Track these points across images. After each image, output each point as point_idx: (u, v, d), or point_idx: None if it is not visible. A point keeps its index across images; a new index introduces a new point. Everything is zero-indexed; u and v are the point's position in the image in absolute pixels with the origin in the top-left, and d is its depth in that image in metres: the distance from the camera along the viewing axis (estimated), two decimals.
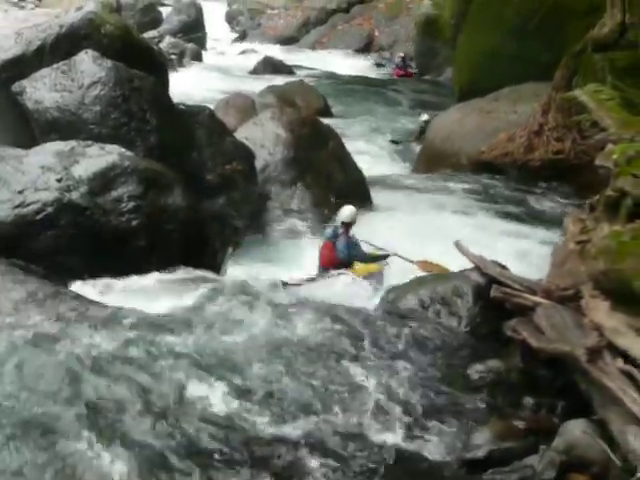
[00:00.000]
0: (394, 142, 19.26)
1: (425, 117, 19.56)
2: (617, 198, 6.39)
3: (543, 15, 18.54)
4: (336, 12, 39.36)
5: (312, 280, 9.94)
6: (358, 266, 10.38)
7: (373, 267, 10.50)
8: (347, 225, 10.63)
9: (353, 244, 10.62)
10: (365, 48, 35.64)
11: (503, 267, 8.27)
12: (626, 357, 5.60)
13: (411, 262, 10.34)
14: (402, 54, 30.62)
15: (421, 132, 19.18)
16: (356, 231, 10.95)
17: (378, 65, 31.50)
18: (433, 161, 16.52)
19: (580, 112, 14.45)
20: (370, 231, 12.11)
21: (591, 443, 5.62)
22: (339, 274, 9.97)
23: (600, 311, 6.10)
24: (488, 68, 19.24)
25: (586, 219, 7.46)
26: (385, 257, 10.84)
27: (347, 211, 10.75)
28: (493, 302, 7.76)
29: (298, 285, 9.58)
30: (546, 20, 18.40)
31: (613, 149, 7.10)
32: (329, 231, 10.72)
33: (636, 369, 5.44)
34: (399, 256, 10.53)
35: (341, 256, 10.44)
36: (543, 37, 18.04)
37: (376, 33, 36.11)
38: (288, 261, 10.97)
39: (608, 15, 15.20)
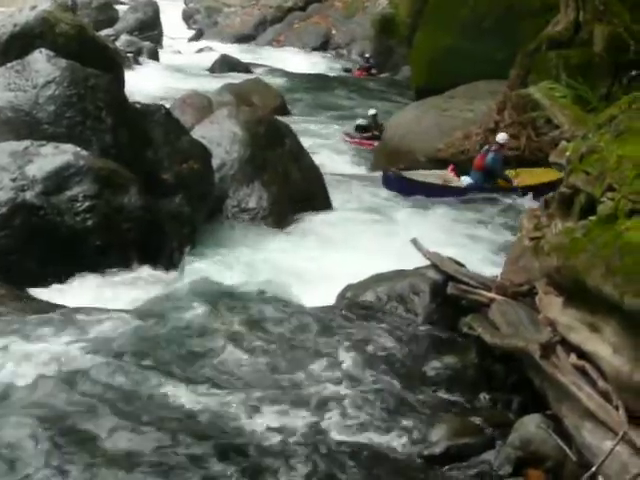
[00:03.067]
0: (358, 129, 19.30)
1: (372, 111, 19.69)
2: (570, 195, 6.45)
3: (498, 14, 18.70)
4: (293, 10, 39.38)
5: None
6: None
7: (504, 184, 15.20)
8: (500, 145, 15.00)
9: (499, 159, 14.98)
10: (322, 46, 35.69)
11: (459, 264, 8.33)
12: (579, 352, 5.65)
13: None
14: (367, 54, 30.63)
15: (369, 126, 19.30)
16: (313, 229, 11.09)
17: (346, 70, 31.19)
18: (390, 159, 16.56)
19: (535, 109, 14.63)
20: (329, 230, 12.18)
21: (546, 438, 5.67)
22: None
23: (554, 307, 6.15)
24: (444, 66, 19.37)
25: (540, 215, 7.53)
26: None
27: (503, 135, 15.13)
28: (450, 299, 7.81)
29: None
30: (501, 19, 18.57)
31: (566, 146, 7.18)
32: (485, 146, 15.31)
33: (589, 364, 5.50)
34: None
35: (488, 162, 15.01)
36: (498, 35, 18.20)
37: (333, 31, 36.17)
38: (246, 260, 10.95)
39: (562, 13, 15.40)
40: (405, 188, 15.24)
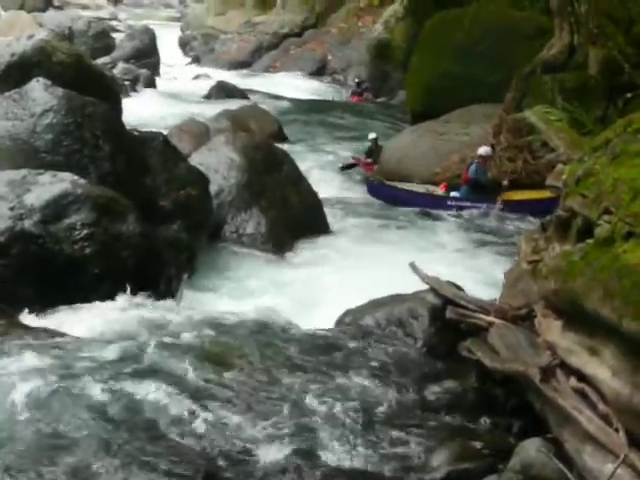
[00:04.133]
0: (346, 167, 19.29)
1: (373, 135, 19.70)
2: (567, 218, 6.46)
3: (493, 38, 18.82)
4: (289, 36, 39.54)
5: None
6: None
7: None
8: (483, 158, 15.39)
9: (480, 169, 15.35)
10: (318, 72, 35.79)
11: (458, 288, 8.33)
12: (579, 376, 5.65)
13: None
14: (357, 79, 30.74)
15: (370, 150, 19.32)
16: (311, 253, 11.17)
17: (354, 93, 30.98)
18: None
19: (531, 133, 14.71)
20: (327, 255, 12.19)
21: (547, 462, 5.65)
22: None
23: (553, 330, 6.15)
24: (440, 90, 19.47)
25: (538, 238, 7.53)
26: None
27: (484, 147, 15.47)
28: (449, 323, 7.81)
29: None
30: (496, 43, 18.68)
31: (562, 169, 7.19)
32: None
33: (589, 387, 5.50)
34: None
35: (470, 175, 15.40)
36: (493, 59, 18.32)
37: (329, 57, 36.30)
38: (244, 286, 10.95)
39: (556, 37, 15.50)
40: (388, 196, 16.00)
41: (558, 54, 15.38)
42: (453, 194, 15.75)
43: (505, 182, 15.38)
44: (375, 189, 16.45)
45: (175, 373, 7.09)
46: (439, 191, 16.02)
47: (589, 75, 14.86)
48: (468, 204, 15.41)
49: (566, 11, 15.25)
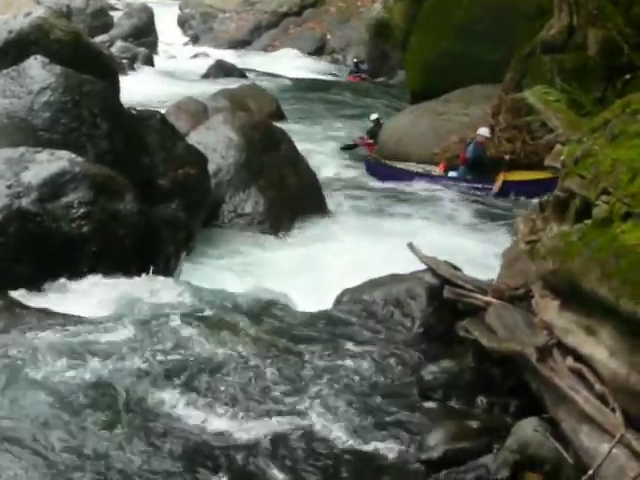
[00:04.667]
0: (347, 147, 19.26)
1: (375, 116, 19.63)
2: (565, 198, 6.45)
3: (492, 17, 18.74)
4: (288, 15, 39.38)
5: None
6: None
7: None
8: (479, 139, 15.43)
9: (478, 148, 15.45)
10: (317, 51, 35.71)
11: (455, 268, 8.33)
12: (576, 356, 5.66)
13: None
14: (355, 59, 30.63)
15: (372, 131, 19.26)
16: (309, 233, 11.19)
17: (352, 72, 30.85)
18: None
19: (529, 113, 14.66)
20: (325, 234, 12.19)
21: (543, 442, 5.67)
22: None
23: (550, 310, 6.15)
24: (439, 70, 19.39)
25: (536, 219, 7.52)
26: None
27: (483, 129, 15.54)
28: (446, 303, 7.82)
29: None
30: (495, 22, 18.59)
31: (561, 150, 7.17)
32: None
33: (586, 367, 5.50)
34: None
35: (468, 155, 15.53)
36: (492, 39, 18.24)
37: (328, 36, 36.19)
38: (242, 265, 10.95)
39: (556, 17, 15.43)
40: (386, 175, 16.12)
41: (557, 35, 15.32)
42: (451, 174, 15.79)
43: (507, 157, 15.39)
44: (373, 168, 16.52)
45: (173, 350, 7.12)
46: (437, 170, 16.04)
47: (588, 56, 14.81)
48: (465, 184, 15.42)
49: None
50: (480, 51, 18.43)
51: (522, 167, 15.26)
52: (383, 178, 16.06)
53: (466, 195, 15.12)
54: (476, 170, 15.49)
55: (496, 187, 15.21)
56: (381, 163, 16.52)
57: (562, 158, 6.74)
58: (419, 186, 15.43)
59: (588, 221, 5.73)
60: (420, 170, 16.08)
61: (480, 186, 15.30)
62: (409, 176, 15.83)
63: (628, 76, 13.78)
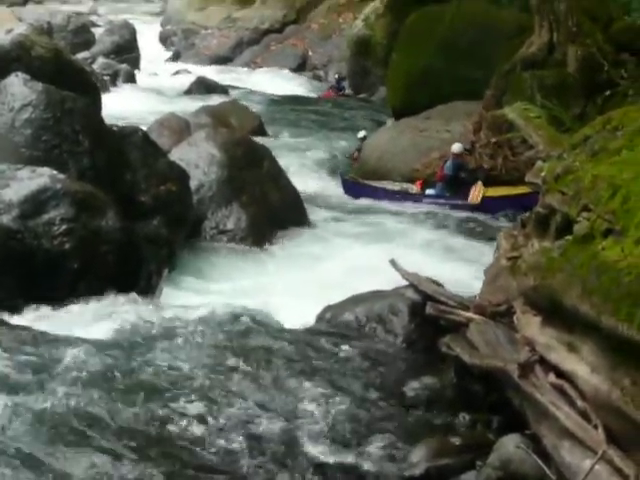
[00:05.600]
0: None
1: (362, 133, 19.54)
2: (546, 215, 6.49)
3: (473, 34, 18.82)
4: (270, 32, 39.38)
5: None
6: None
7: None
8: (455, 154, 15.24)
9: (455, 165, 15.27)
10: (299, 68, 35.69)
11: (437, 284, 8.36)
12: (558, 372, 5.68)
13: None
14: (337, 75, 30.65)
15: (361, 148, 19.21)
16: (292, 249, 11.21)
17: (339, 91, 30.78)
18: (368, 179, 16.61)
19: (510, 130, 14.74)
20: (307, 250, 12.19)
21: (526, 458, 5.68)
22: None
23: (532, 326, 6.18)
24: (420, 87, 19.42)
25: (517, 235, 7.56)
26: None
27: (457, 145, 15.33)
28: (428, 319, 7.83)
29: None
30: (476, 39, 18.67)
31: (542, 166, 7.22)
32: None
33: (567, 384, 5.52)
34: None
35: (446, 172, 15.34)
36: (473, 56, 18.29)
37: (310, 53, 36.23)
38: (224, 282, 10.93)
39: (536, 34, 15.53)
40: (363, 194, 15.99)
41: (537, 51, 15.42)
42: (428, 192, 15.77)
43: (485, 166, 15.36)
44: (350, 187, 16.42)
45: (152, 370, 7.09)
46: (414, 188, 16.02)
47: (568, 73, 14.90)
48: (443, 201, 15.43)
49: (545, 9, 15.28)
50: (461, 68, 18.48)
51: (503, 183, 15.27)
52: (359, 196, 16.01)
53: (445, 212, 15.10)
54: (454, 186, 15.49)
55: (474, 197, 15.18)
56: (358, 182, 16.47)
57: (543, 174, 6.79)
58: (396, 205, 15.39)
59: (569, 237, 5.76)
60: (396, 188, 16.03)
61: (459, 202, 15.29)
62: (385, 195, 15.80)
63: (608, 93, 13.89)
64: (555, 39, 15.23)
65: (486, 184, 15.34)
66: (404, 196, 15.72)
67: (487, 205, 14.98)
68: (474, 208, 15.07)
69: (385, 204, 15.40)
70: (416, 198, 15.63)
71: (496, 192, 15.09)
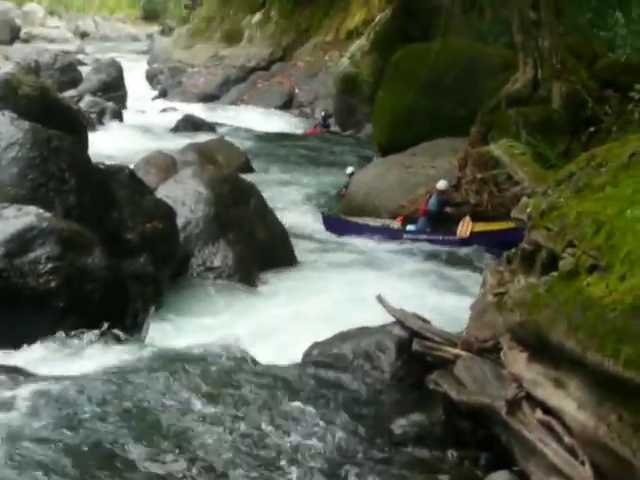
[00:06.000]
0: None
1: (350, 170, 19.62)
2: (532, 251, 6.52)
3: (458, 72, 19.00)
4: (256, 70, 39.62)
5: None
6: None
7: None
8: (440, 191, 15.39)
9: (440, 201, 15.46)
10: (286, 105, 35.89)
11: (424, 320, 8.35)
12: (545, 408, 5.67)
13: None
14: (323, 112, 30.81)
15: (346, 185, 19.28)
16: (279, 286, 11.19)
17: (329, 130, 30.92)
18: (355, 216, 16.66)
19: (496, 166, 14.84)
20: (295, 287, 12.19)
21: None
22: None
23: (518, 362, 6.18)
24: (406, 124, 19.58)
25: (503, 271, 7.58)
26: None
27: (442, 181, 15.49)
28: (415, 356, 7.82)
29: None
30: (461, 77, 18.85)
31: (527, 202, 7.26)
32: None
33: (555, 420, 5.52)
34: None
35: (430, 208, 15.50)
36: (458, 93, 18.46)
37: (296, 90, 36.43)
38: (211, 320, 10.89)
39: (520, 71, 15.69)
40: (343, 229, 16.06)
41: (522, 88, 15.57)
42: (409, 227, 15.80)
43: (471, 200, 15.42)
44: (331, 224, 16.43)
45: (138, 411, 7.05)
46: (396, 224, 16.05)
47: (553, 109, 15.04)
48: (424, 237, 15.44)
49: (530, 46, 15.46)
50: (446, 106, 18.65)
51: (488, 219, 15.33)
52: (341, 233, 16.03)
53: (428, 247, 15.12)
54: (436, 222, 15.55)
55: (462, 231, 15.22)
56: (340, 219, 16.51)
57: (528, 211, 6.83)
58: (377, 241, 15.42)
59: (554, 273, 5.79)
60: (378, 224, 16.08)
61: (440, 238, 15.31)
62: (366, 230, 15.84)
63: (592, 129, 14.02)
64: (540, 76, 15.39)
65: (472, 220, 15.39)
66: (385, 232, 15.76)
67: (475, 240, 15.01)
68: (462, 242, 15.10)
69: (367, 240, 15.44)
70: (397, 234, 15.65)
71: (484, 227, 15.14)
